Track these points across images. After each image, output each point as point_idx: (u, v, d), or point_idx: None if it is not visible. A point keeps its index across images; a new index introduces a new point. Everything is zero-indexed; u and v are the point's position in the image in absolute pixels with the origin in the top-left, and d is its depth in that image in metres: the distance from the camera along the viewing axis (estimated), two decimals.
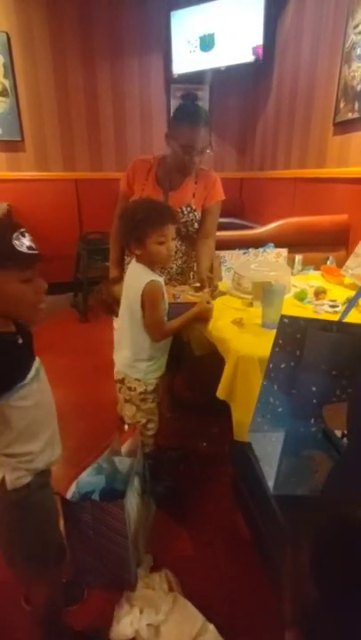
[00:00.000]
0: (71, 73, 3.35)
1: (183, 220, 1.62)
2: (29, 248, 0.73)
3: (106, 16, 3.25)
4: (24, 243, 0.72)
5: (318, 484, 0.86)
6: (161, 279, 1.34)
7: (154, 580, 1.20)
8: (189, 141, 1.49)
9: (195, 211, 1.64)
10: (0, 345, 0.77)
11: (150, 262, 1.31)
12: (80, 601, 1.18)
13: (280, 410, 0.96)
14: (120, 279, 1.57)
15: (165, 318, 1.34)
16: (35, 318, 0.82)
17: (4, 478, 0.81)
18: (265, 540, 1.17)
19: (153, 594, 1.16)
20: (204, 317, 1.39)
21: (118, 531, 1.13)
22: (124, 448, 1.39)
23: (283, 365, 0.94)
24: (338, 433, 0.92)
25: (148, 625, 1.08)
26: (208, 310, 1.38)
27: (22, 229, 0.73)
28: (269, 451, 0.96)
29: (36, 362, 0.86)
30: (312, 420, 0.90)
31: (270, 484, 0.94)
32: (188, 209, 1.63)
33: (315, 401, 0.87)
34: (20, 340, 0.82)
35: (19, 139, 3.37)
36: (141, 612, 1.11)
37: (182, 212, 1.61)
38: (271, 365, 0.96)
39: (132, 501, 1.19)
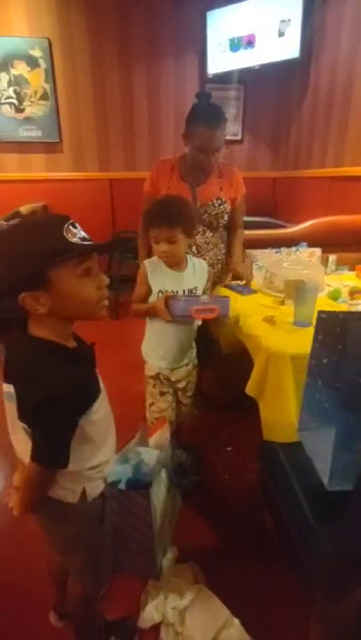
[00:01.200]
0: (108, 75, 3.43)
1: (214, 212, 1.64)
2: (83, 239, 0.67)
3: (143, 18, 3.30)
4: (76, 233, 0.67)
5: None
6: (158, 261, 1.34)
7: (180, 570, 1.22)
8: (204, 141, 1.50)
9: (225, 203, 1.66)
10: (77, 362, 0.73)
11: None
12: (105, 589, 1.21)
13: (327, 405, 0.96)
14: None
15: (142, 300, 1.36)
16: (98, 315, 0.75)
17: (84, 490, 0.81)
18: (293, 540, 1.16)
19: (178, 581, 1.18)
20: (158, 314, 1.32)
21: (144, 520, 1.15)
22: (153, 440, 1.41)
23: (325, 360, 0.95)
24: None
25: (172, 609, 1.10)
26: (160, 310, 1.27)
27: (71, 220, 0.68)
28: (321, 447, 0.96)
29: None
30: None
31: (325, 480, 0.95)
32: (219, 201, 1.64)
33: None
34: (88, 353, 0.79)
35: (57, 140, 3.49)
36: (166, 597, 1.13)
37: (213, 204, 1.64)
38: (313, 362, 0.97)
39: (158, 492, 1.21)
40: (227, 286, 1.72)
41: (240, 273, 1.74)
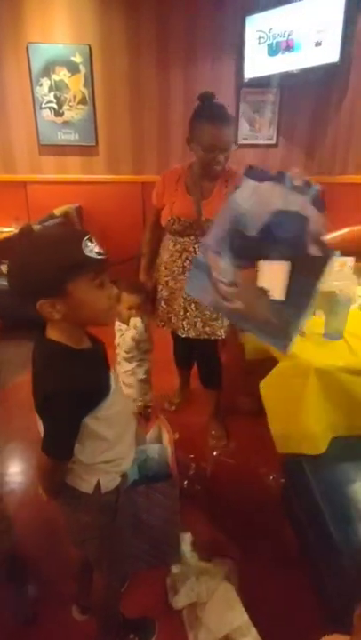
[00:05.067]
0: (145, 80, 3.48)
1: None
2: (98, 253, 0.73)
3: (181, 22, 3.33)
4: (93, 248, 0.72)
5: None
6: None
7: (215, 563, 1.26)
8: (211, 140, 1.45)
9: None
10: (84, 363, 0.79)
11: None
12: (124, 587, 1.25)
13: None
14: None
15: None
16: (107, 322, 0.82)
17: (98, 482, 0.86)
18: (314, 552, 1.15)
19: (207, 565, 1.25)
20: None
21: (171, 508, 1.20)
22: (150, 436, 1.44)
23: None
24: None
25: (207, 588, 1.16)
26: None
27: (88, 235, 0.73)
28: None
29: (112, 371, 0.88)
30: None
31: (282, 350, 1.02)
32: None
33: None
34: (100, 354, 0.85)
35: (93, 144, 3.58)
36: (198, 579, 1.19)
37: None
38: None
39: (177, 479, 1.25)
40: None
41: None
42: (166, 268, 1.71)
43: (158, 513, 1.18)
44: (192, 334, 1.71)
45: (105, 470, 0.87)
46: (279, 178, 1.01)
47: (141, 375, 1.80)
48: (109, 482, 0.88)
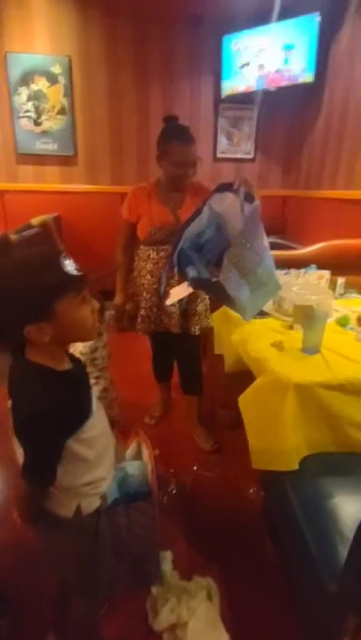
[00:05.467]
0: (125, 93, 3.50)
1: None
2: (77, 270, 0.72)
3: (160, 40, 3.38)
4: (68, 265, 0.71)
5: None
6: None
7: (196, 582, 1.23)
8: (182, 157, 1.59)
9: None
10: (67, 384, 0.76)
11: None
12: (104, 609, 1.21)
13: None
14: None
15: None
16: (92, 337, 0.82)
17: (79, 506, 0.83)
18: (294, 568, 1.15)
19: (188, 585, 1.22)
20: None
21: (151, 527, 1.17)
22: (129, 452, 1.42)
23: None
24: None
25: (188, 608, 1.14)
26: None
27: (63, 253, 0.72)
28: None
29: (92, 389, 0.87)
30: None
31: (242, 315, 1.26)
32: None
33: None
34: (81, 374, 0.83)
35: (72, 154, 3.56)
36: (179, 599, 1.17)
37: None
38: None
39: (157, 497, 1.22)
40: None
41: None
42: (153, 276, 1.73)
43: (138, 532, 1.15)
44: (181, 329, 1.76)
45: (85, 493, 0.84)
46: (237, 190, 1.28)
47: (97, 394, 1.80)
48: (89, 505, 0.86)
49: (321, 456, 1.20)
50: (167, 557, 1.30)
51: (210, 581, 1.26)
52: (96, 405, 0.84)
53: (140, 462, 1.31)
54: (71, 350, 1.71)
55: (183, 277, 1.39)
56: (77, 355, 1.64)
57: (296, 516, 1.03)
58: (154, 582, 1.23)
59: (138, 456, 1.41)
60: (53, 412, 0.71)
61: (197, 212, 1.34)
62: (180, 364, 2.01)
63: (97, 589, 0.99)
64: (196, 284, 1.33)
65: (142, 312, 1.79)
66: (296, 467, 1.15)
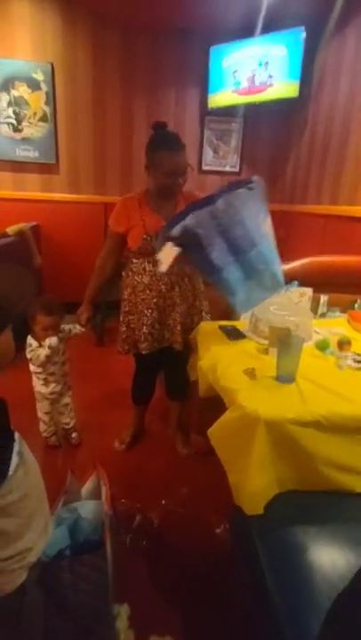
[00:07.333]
0: (109, 102, 3.44)
1: None
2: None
3: (147, 49, 3.34)
4: None
5: None
6: None
7: None
8: (172, 166, 1.51)
9: None
10: None
11: None
12: None
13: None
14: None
15: None
16: (4, 367, 0.71)
17: None
18: (257, 622, 1.02)
19: None
20: None
21: (99, 582, 1.03)
22: (85, 490, 1.27)
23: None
24: None
25: None
26: None
27: None
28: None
29: (17, 442, 0.70)
30: None
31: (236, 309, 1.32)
32: None
33: None
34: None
35: (54, 162, 3.46)
36: None
37: None
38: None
39: (108, 549, 1.08)
40: (221, 327, 1.60)
41: None
42: (151, 290, 1.64)
43: (86, 588, 1.01)
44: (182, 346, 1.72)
45: (2, 570, 0.68)
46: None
47: (67, 399, 1.91)
48: (10, 582, 0.69)
49: (293, 496, 1.08)
50: (123, 614, 1.15)
51: None
52: (20, 463, 0.69)
53: (95, 503, 1.18)
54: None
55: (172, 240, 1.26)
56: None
57: (264, 575, 0.90)
58: None
59: (95, 492, 1.27)
60: None
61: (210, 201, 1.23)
62: (166, 370, 1.96)
63: None
64: (181, 236, 1.20)
65: (145, 330, 1.68)
66: (261, 511, 1.02)
